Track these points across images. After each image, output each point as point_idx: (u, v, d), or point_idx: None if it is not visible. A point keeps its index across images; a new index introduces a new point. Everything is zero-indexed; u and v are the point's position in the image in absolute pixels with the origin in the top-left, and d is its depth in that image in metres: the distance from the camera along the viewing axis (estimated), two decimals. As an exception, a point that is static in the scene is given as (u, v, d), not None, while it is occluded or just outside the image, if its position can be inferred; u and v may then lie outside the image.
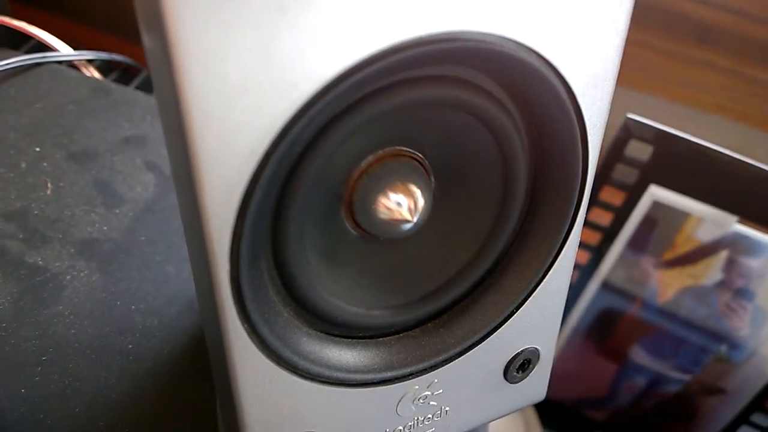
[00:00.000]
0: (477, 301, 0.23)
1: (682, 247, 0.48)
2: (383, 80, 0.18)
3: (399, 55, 0.17)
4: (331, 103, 0.16)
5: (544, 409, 0.61)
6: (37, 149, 0.40)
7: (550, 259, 0.22)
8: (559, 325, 0.25)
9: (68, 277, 0.34)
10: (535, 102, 0.20)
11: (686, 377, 0.55)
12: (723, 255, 0.47)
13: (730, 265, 0.47)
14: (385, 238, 0.21)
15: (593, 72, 0.19)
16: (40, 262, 0.34)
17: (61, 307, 0.32)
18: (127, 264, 0.34)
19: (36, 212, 0.37)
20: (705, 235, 0.46)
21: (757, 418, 0.55)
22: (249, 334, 0.18)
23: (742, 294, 0.48)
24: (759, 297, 0.48)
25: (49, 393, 0.29)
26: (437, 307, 0.23)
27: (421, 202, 0.20)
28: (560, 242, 0.22)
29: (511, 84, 0.19)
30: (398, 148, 0.20)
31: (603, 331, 0.56)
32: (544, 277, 0.23)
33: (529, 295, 0.23)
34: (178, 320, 0.32)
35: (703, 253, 0.47)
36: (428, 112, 0.20)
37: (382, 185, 0.19)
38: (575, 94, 0.19)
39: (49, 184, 0.39)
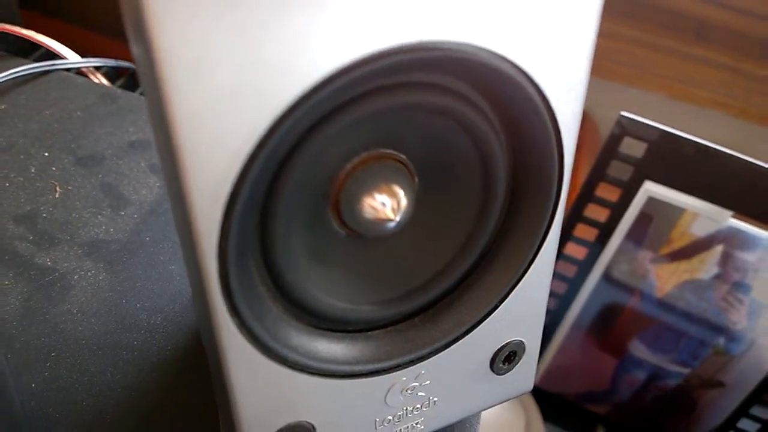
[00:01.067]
0: (461, 296, 0.24)
1: (678, 241, 0.48)
2: (366, 86, 0.19)
3: (379, 62, 0.18)
4: (313, 107, 0.17)
5: (546, 403, 0.62)
6: (46, 154, 0.42)
7: (531, 255, 0.23)
8: (543, 318, 0.26)
9: (76, 276, 0.35)
10: (511, 107, 0.20)
11: (685, 371, 0.56)
12: (718, 249, 0.48)
13: (726, 259, 0.48)
14: (370, 236, 0.22)
15: (566, 77, 0.20)
16: (49, 263, 0.36)
17: (69, 306, 0.34)
18: (133, 264, 0.36)
19: (45, 215, 0.38)
20: (700, 229, 0.47)
21: (757, 410, 0.55)
22: (239, 328, 0.19)
23: (738, 287, 0.49)
24: (755, 290, 0.48)
25: (58, 387, 0.31)
26: (423, 302, 0.24)
27: (404, 201, 0.21)
28: (540, 238, 0.23)
29: (488, 90, 0.20)
30: (382, 150, 0.21)
31: (603, 326, 0.56)
32: (525, 272, 0.23)
33: (511, 290, 0.24)
34: (181, 317, 0.33)
35: (698, 247, 0.48)
36: (410, 116, 0.21)
37: (367, 186, 0.21)
38: (549, 99, 0.20)
39: (57, 188, 0.40)
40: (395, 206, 0.21)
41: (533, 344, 0.26)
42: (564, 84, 0.20)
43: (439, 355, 0.24)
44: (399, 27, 0.17)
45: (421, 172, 0.22)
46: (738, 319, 0.50)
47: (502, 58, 0.19)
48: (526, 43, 0.19)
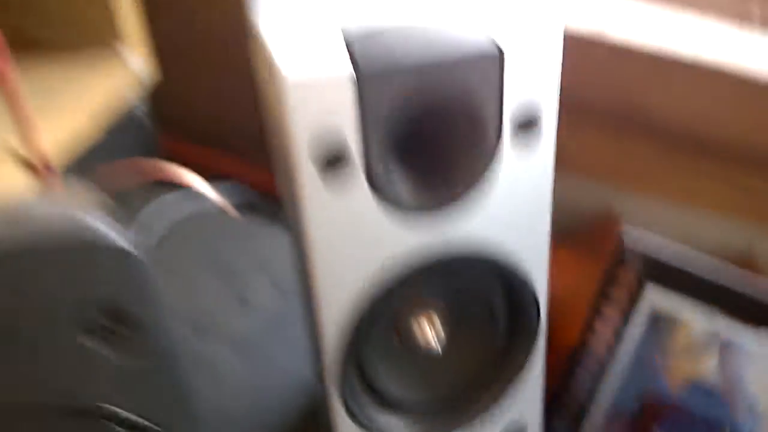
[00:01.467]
0: (478, 392, 0.37)
1: (682, 341, 0.59)
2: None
3: (451, 261, 0.32)
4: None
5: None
6: (198, 272, 0.59)
7: (524, 365, 0.36)
8: (540, 407, 0.38)
9: (219, 364, 0.51)
10: (509, 284, 0.34)
11: (704, 454, 0.64)
12: (717, 349, 0.57)
13: (724, 356, 0.57)
14: (420, 352, 0.36)
15: (537, 270, 0.34)
16: (202, 353, 0.52)
17: (215, 386, 0.49)
18: (261, 357, 0.51)
19: (199, 317, 0.55)
20: (700, 331, 0.57)
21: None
22: (345, 410, 0.33)
23: (737, 382, 0.58)
24: (753, 385, 0.58)
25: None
26: (454, 394, 0.37)
27: (441, 333, 0.35)
28: (528, 357, 0.36)
29: (496, 275, 0.34)
30: (428, 298, 0.36)
31: (629, 414, 0.66)
32: (520, 376, 0.37)
33: (510, 389, 0.37)
34: (296, 401, 0.48)
35: (700, 348, 0.58)
36: (449, 286, 0.35)
37: (418, 322, 0.35)
38: (529, 280, 0.34)
39: (205, 297, 0.57)
40: (436, 335, 0.35)
41: (534, 424, 0.39)
42: (536, 271, 0.34)
43: (465, 430, 0.37)
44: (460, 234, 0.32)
45: (452, 314, 0.36)
46: (741, 410, 0.59)
47: (510, 263, 0.33)
48: (519, 248, 0.33)
